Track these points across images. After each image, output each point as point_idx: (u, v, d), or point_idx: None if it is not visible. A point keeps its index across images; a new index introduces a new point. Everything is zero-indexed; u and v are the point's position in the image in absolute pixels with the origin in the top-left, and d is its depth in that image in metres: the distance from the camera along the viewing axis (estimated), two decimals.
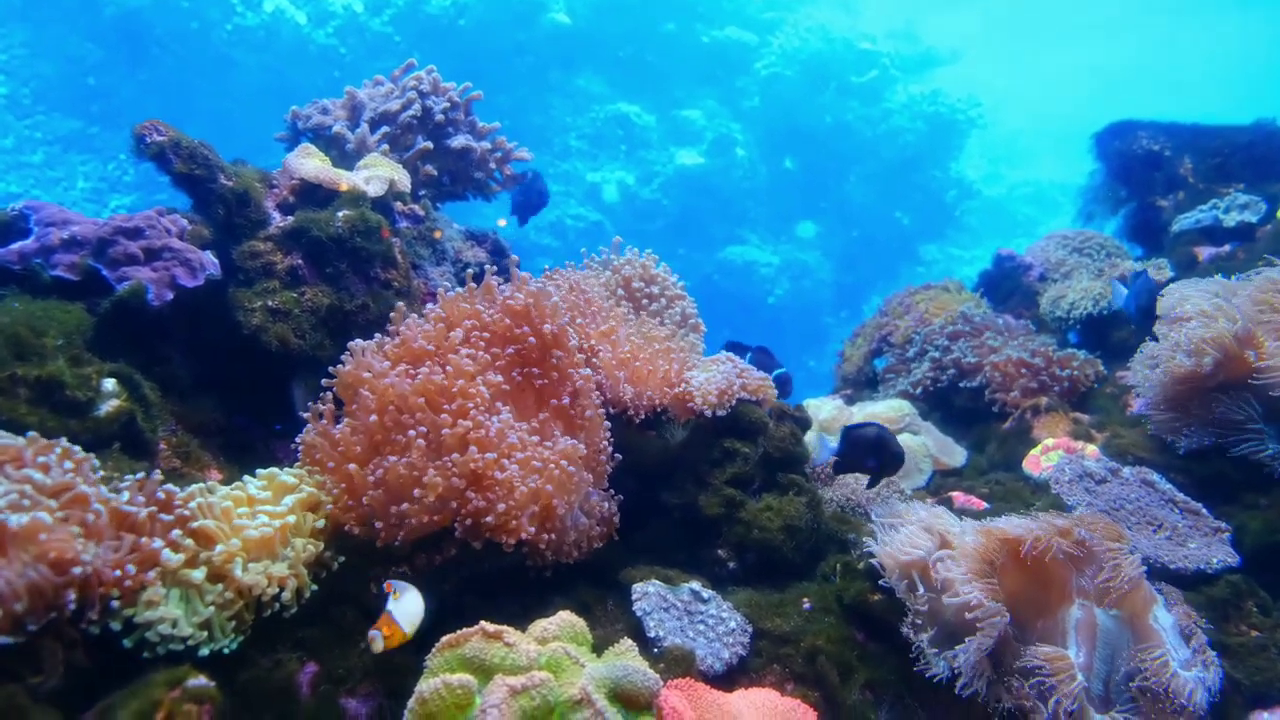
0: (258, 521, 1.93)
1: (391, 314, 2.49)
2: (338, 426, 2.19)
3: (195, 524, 1.84)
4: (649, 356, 2.65)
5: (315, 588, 1.96)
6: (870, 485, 2.88)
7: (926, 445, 3.57)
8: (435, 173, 3.42)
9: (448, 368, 2.20)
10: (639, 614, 2.10)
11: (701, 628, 2.11)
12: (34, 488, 1.60)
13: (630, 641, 1.82)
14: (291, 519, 1.98)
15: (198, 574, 1.74)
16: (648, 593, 2.15)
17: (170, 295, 2.41)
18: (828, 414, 3.85)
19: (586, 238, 14.22)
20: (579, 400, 2.38)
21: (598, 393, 2.49)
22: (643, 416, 2.59)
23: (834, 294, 16.96)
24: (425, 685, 1.55)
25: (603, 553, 2.35)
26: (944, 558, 2.02)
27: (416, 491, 2.00)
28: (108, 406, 2.08)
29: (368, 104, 3.39)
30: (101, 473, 1.80)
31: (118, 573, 1.61)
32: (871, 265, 16.88)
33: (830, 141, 16.57)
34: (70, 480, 1.66)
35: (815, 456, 2.87)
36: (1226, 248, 4.14)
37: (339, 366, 2.27)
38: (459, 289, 2.51)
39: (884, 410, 3.77)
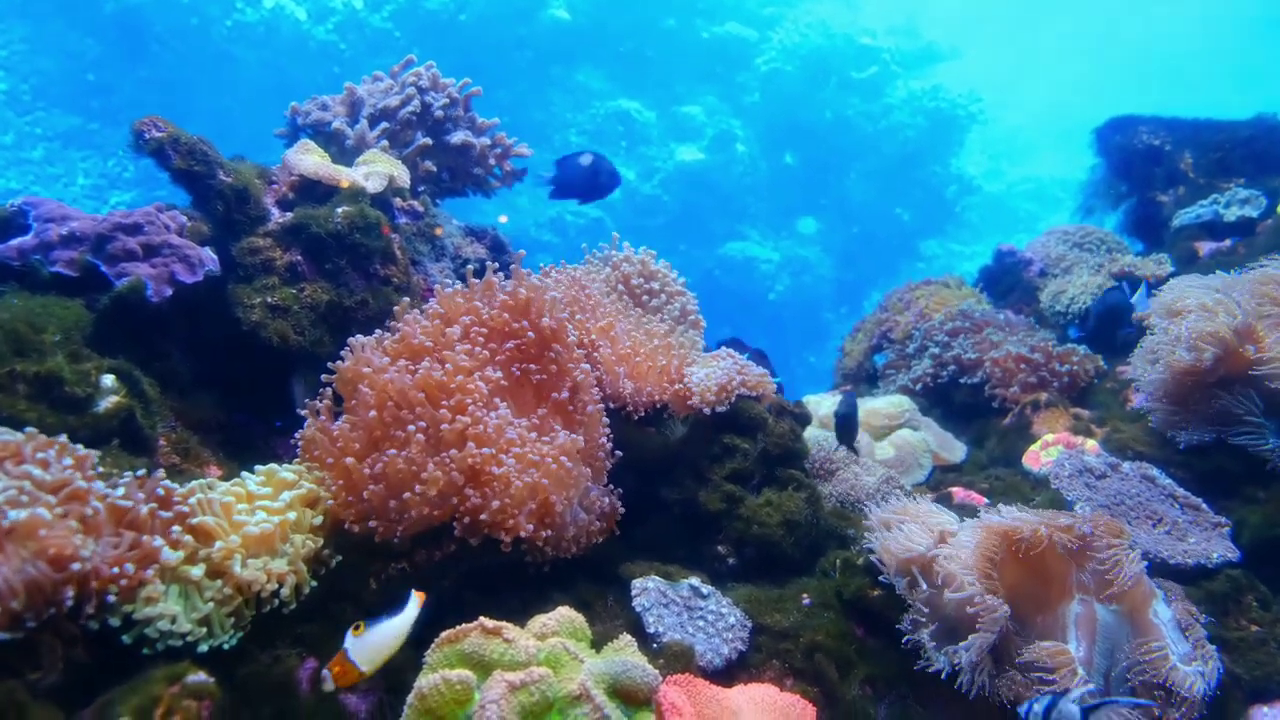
0: (257, 518, 1.93)
1: (395, 308, 2.49)
2: (337, 422, 2.19)
3: (194, 520, 1.84)
4: (649, 352, 2.65)
5: (314, 584, 1.96)
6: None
7: (927, 441, 3.57)
8: (434, 169, 3.42)
9: (446, 365, 2.20)
10: (638, 610, 2.10)
11: (701, 623, 2.11)
12: (33, 484, 1.59)
13: (629, 637, 1.82)
14: (291, 515, 1.98)
15: (197, 570, 1.74)
16: (647, 588, 2.15)
17: (169, 291, 2.41)
18: (828, 410, 3.85)
19: (587, 234, 14.19)
20: (578, 396, 2.38)
21: (597, 388, 2.49)
22: (643, 412, 2.59)
23: (834, 290, 16.95)
24: (424, 681, 1.55)
25: (602, 548, 2.35)
26: (945, 553, 2.02)
27: (416, 487, 2.01)
28: (107, 403, 2.08)
29: (367, 100, 3.38)
30: (100, 469, 1.80)
31: (116, 570, 1.61)
32: (872, 261, 16.87)
33: (831, 137, 16.55)
34: (69, 476, 1.66)
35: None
36: (1227, 242, 4.13)
37: (339, 362, 2.27)
38: (459, 285, 2.51)
39: (884, 406, 3.77)
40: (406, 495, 2.01)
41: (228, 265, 2.61)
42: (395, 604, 1.71)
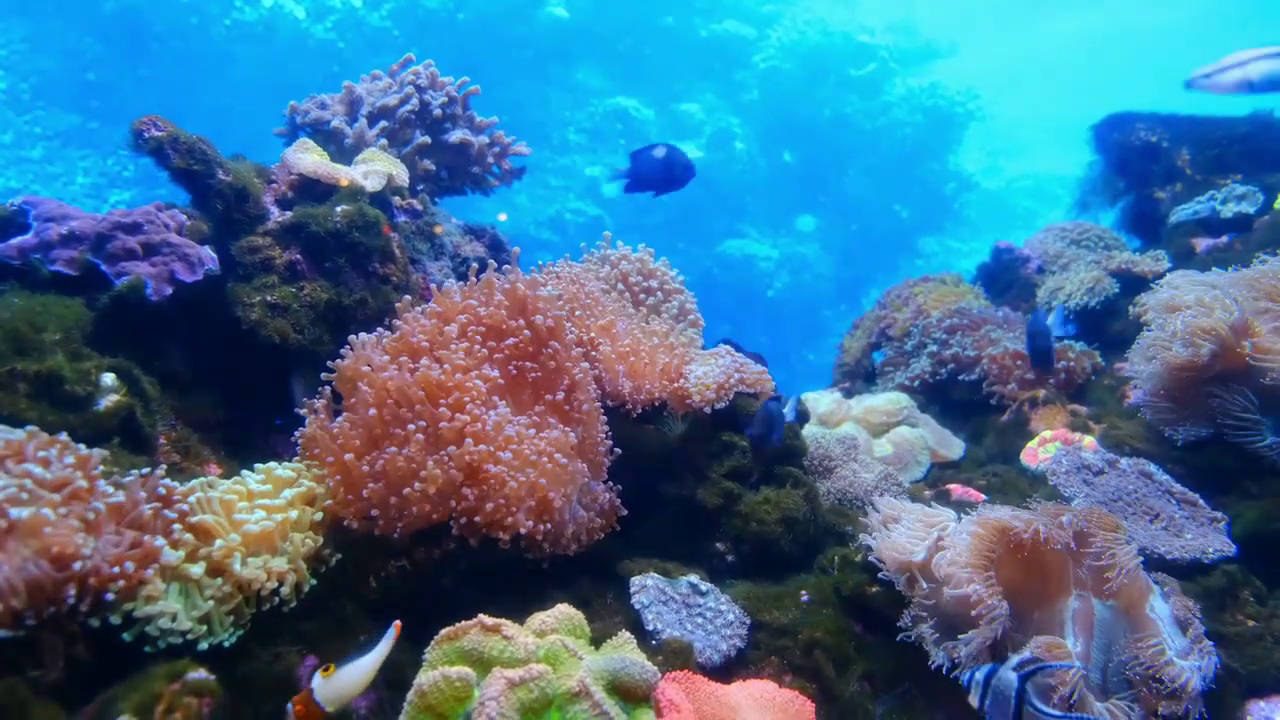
0: (257, 516, 1.93)
1: (397, 306, 2.50)
2: (337, 421, 2.20)
3: (195, 519, 1.84)
4: (648, 350, 2.66)
5: (315, 582, 1.97)
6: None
7: (925, 438, 3.58)
8: (433, 167, 3.42)
9: (445, 364, 2.21)
10: (637, 607, 2.11)
11: (700, 620, 2.12)
12: (34, 482, 1.60)
13: (628, 634, 1.82)
14: (291, 513, 1.99)
15: (197, 568, 1.75)
16: (646, 586, 2.16)
17: (169, 290, 2.41)
18: (826, 407, 3.86)
19: (586, 232, 14.20)
20: (575, 393, 2.39)
21: (596, 386, 2.50)
22: (641, 410, 2.59)
23: (833, 287, 16.96)
24: (424, 678, 1.56)
25: (602, 546, 2.35)
26: (943, 550, 2.03)
27: (416, 484, 2.01)
28: (107, 401, 2.09)
29: (366, 99, 3.39)
30: (102, 468, 1.81)
31: (117, 568, 1.61)
32: (870, 258, 16.88)
33: (829, 135, 16.56)
34: (70, 475, 1.66)
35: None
36: (1224, 239, 4.14)
37: (339, 360, 2.28)
38: (458, 283, 2.52)
39: (882, 403, 3.78)
40: (406, 491, 2.02)
41: (227, 264, 2.61)
42: (371, 642, 1.66)
